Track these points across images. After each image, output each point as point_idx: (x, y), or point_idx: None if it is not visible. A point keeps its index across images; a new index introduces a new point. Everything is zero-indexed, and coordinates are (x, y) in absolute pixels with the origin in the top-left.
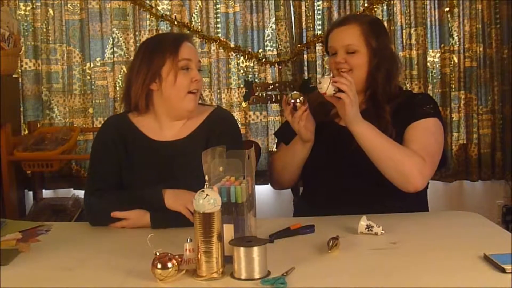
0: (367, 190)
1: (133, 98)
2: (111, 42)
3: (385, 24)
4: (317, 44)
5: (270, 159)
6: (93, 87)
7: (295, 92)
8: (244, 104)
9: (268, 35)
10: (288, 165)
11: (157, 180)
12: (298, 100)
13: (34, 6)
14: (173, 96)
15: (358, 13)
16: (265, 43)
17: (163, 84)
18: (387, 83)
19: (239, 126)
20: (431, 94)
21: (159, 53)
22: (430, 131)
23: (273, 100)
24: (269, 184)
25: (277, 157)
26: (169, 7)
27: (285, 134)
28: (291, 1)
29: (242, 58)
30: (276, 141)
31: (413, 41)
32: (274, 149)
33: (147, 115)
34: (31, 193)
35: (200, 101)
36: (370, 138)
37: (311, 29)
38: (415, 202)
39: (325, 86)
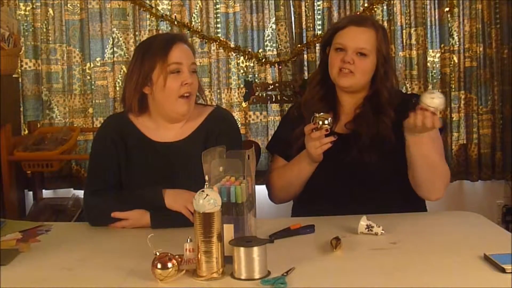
0: (365, 193)
1: (127, 100)
2: (111, 42)
3: (385, 24)
4: (317, 44)
5: (268, 176)
6: (93, 87)
7: (322, 113)
8: (244, 104)
9: (268, 35)
10: (293, 183)
11: (157, 181)
12: (326, 122)
13: (34, 6)
14: (164, 100)
15: (358, 13)
16: (265, 43)
17: (154, 87)
18: (392, 90)
19: (239, 125)
20: None
21: (149, 56)
22: (435, 139)
23: (273, 100)
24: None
25: (278, 175)
26: (169, 7)
27: (280, 146)
28: (291, 1)
29: (242, 58)
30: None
31: (413, 41)
32: None
33: (145, 115)
34: (31, 193)
35: (200, 101)
36: (425, 153)
37: (311, 29)
38: (413, 205)
39: (437, 102)
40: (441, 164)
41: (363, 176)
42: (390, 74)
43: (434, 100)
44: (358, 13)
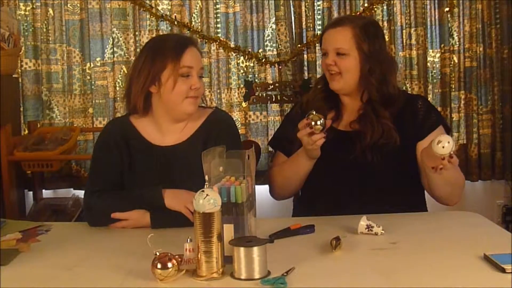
0: (366, 192)
1: (132, 98)
2: (111, 42)
3: (385, 24)
4: (317, 44)
5: (270, 171)
6: (93, 87)
7: (316, 113)
8: (244, 104)
9: (268, 35)
10: (292, 179)
11: (157, 183)
12: (319, 123)
13: (34, 6)
14: (171, 101)
15: (358, 13)
16: (265, 43)
17: (162, 88)
18: (383, 87)
19: (239, 126)
20: (431, 94)
21: (161, 56)
22: None
23: (273, 100)
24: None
25: (278, 171)
26: (169, 7)
27: (282, 142)
28: (291, 1)
29: (242, 58)
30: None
31: (413, 41)
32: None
33: (147, 117)
34: (31, 193)
35: (203, 104)
36: (445, 174)
37: (311, 29)
38: (414, 204)
39: (449, 147)
40: (459, 176)
41: (366, 175)
42: (376, 71)
43: (445, 148)
44: (358, 13)
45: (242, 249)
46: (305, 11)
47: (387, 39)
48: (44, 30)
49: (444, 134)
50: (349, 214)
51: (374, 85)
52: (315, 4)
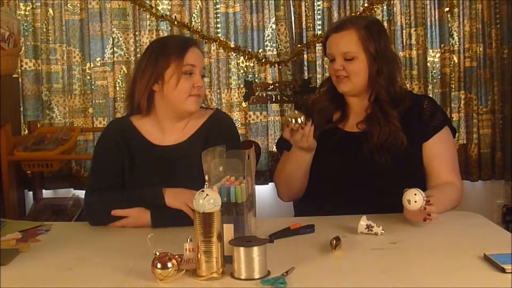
0: (373, 193)
1: (136, 98)
2: (111, 42)
3: (385, 24)
4: (317, 44)
5: (275, 172)
6: (93, 87)
7: (295, 112)
8: (244, 104)
9: (268, 35)
10: (294, 174)
11: (158, 183)
12: (299, 120)
13: (34, 6)
14: (173, 99)
15: (357, 13)
16: (265, 43)
17: (165, 86)
18: (391, 86)
19: (238, 126)
20: (431, 94)
21: (165, 55)
22: (447, 142)
23: (273, 100)
24: (276, 193)
25: (281, 168)
26: (169, 7)
27: (288, 143)
28: (291, 1)
29: (242, 58)
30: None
31: (413, 41)
32: (274, 149)
33: (148, 117)
34: (31, 193)
35: (204, 105)
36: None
37: (311, 29)
38: None
39: (420, 198)
40: (446, 198)
41: (372, 176)
42: (384, 71)
43: (417, 202)
44: (358, 13)
45: (242, 249)
46: (305, 11)
47: None
48: (44, 30)
49: (408, 191)
50: (354, 215)
51: (383, 85)
52: (315, 4)
